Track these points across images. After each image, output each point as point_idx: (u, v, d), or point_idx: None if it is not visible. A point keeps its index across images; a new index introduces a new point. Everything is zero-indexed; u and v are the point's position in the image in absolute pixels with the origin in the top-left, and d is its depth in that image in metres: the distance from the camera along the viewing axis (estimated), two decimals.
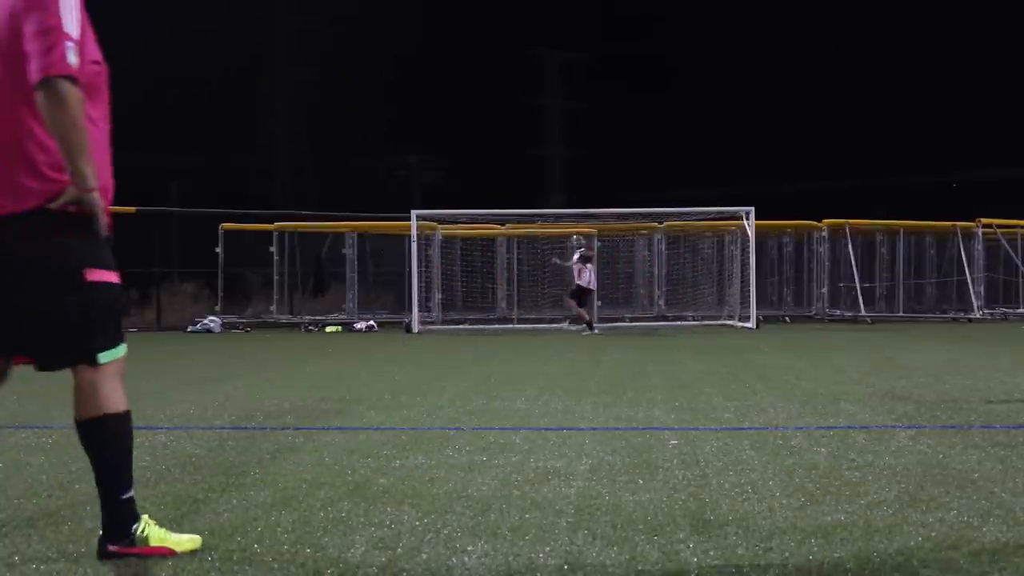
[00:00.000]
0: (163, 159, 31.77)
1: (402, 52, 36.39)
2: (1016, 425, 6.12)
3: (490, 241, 24.06)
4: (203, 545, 3.44)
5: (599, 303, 23.11)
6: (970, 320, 22.42)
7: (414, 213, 20.26)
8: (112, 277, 3.31)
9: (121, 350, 3.32)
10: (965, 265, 23.23)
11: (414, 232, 20.09)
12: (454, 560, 3.31)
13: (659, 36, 39.32)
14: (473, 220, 22.47)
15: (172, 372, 10.93)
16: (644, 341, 16.02)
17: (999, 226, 23.57)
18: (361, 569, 3.21)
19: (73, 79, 3.07)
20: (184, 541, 3.40)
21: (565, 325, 20.63)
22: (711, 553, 3.35)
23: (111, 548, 3.28)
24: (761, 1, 39.29)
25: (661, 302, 23.85)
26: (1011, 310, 23.67)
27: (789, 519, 3.80)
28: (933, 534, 3.56)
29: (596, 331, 18.58)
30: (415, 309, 20.03)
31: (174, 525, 3.64)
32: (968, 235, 23.53)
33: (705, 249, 24.47)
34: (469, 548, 3.44)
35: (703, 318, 22.72)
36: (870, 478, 4.54)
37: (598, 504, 4.08)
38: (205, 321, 20.89)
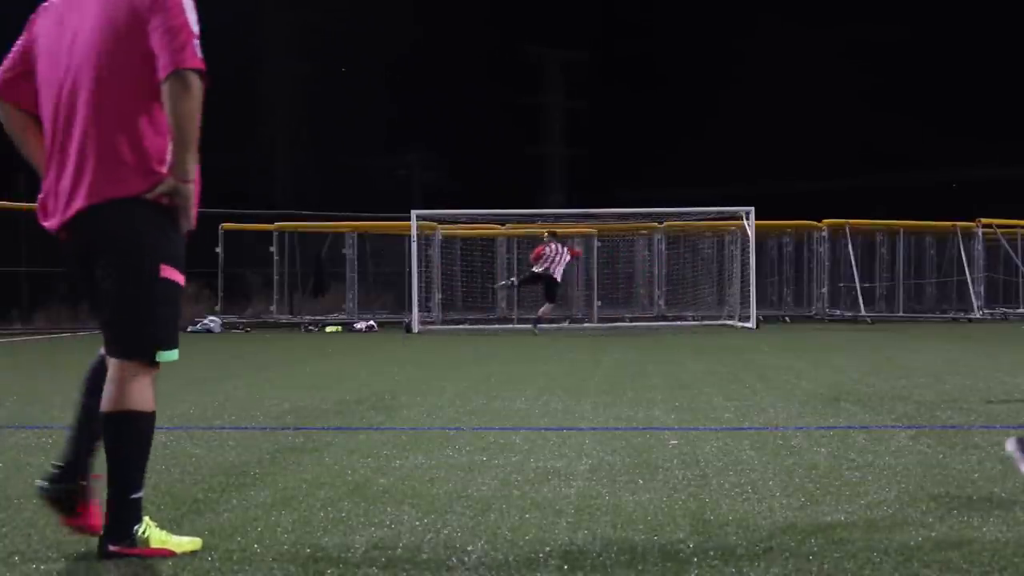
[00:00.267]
0: None
1: (402, 51, 36.36)
2: (1016, 425, 6.12)
3: (490, 241, 24.05)
4: (203, 545, 3.44)
5: (599, 303, 23.16)
6: (970, 320, 22.40)
7: (414, 213, 20.23)
8: (180, 278, 3.40)
9: (175, 354, 3.40)
10: (965, 265, 23.21)
11: (414, 232, 20.08)
12: (454, 560, 3.30)
13: (660, 35, 39.26)
14: (473, 220, 22.45)
15: (172, 372, 10.89)
16: (644, 341, 16.01)
17: (999, 226, 23.54)
18: (361, 569, 3.21)
19: (201, 73, 3.21)
20: (184, 543, 3.40)
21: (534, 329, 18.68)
22: (711, 553, 3.35)
23: (112, 548, 3.28)
24: (761, 1, 39.28)
25: (661, 302, 23.82)
26: (1011, 310, 23.65)
27: (789, 519, 3.80)
28: (933, 534, 3.56)
29: (537, 332, 18.16)
30: (415, 309, 20.02)
31: (174, 525, 3.64)
32: (968, 235, 23.50)
33: (705, 249, 24.46)
34: (469, 548, 3.44)
35: (703, 318, 22.68)
36: (870, 478, 4.55)
37: (598, 504, 4.08)
38: (205, 321, 20.86)
